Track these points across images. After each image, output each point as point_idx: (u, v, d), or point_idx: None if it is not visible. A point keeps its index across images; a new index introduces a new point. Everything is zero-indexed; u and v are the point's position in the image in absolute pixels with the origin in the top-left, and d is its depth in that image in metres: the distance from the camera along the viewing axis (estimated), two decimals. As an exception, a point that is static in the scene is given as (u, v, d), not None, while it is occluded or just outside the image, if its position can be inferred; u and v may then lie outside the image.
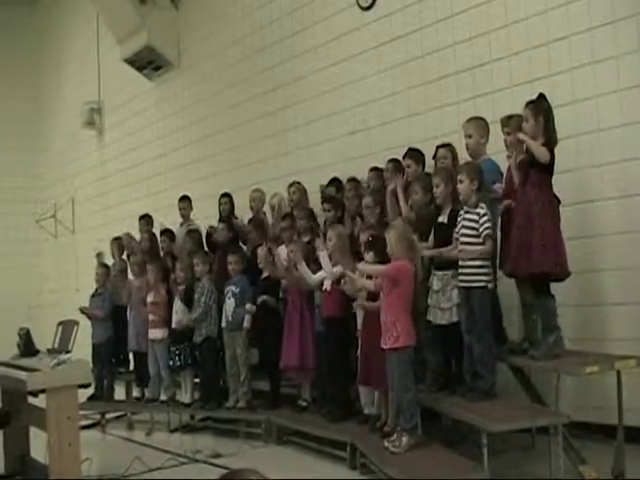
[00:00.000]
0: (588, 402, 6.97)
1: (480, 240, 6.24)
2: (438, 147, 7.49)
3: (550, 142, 6.09)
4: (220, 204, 10.36)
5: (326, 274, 7.61)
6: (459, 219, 6.42)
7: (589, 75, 7.20)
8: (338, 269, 7.42)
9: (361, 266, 6.67)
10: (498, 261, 6.68)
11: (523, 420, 6.02)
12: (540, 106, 6.17)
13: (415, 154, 7.71)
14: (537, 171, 6.10)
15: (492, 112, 7.33)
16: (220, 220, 10.21)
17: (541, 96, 6.21)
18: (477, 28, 8.21)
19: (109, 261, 11.30)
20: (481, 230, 6.23)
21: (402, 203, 7.48)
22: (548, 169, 6.10)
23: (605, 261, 7.06)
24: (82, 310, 10.38)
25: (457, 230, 6.41)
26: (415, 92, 8.95)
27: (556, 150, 6.08)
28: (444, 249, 6.56)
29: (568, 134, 6.78)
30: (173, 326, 9.54)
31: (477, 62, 8.20)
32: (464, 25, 8.37)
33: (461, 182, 6.38)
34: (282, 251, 8.70)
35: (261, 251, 8.84)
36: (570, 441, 5.98)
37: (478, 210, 6.29)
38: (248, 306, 8.77)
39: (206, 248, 10.09)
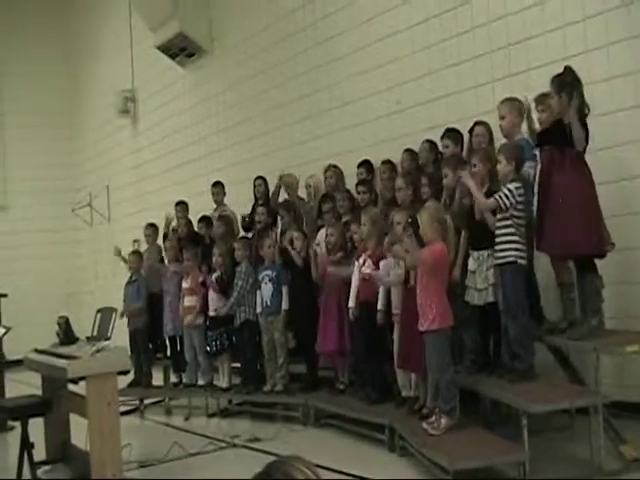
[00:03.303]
0: (628, 381, 6.90)
1: (507, 215, 6.24)
2: (476, 123, 7.42)
3: (582, 116, 6.01)
4: (255, 186, 10.36)
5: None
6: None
7: (625, 51, 7.09)
8: (393, 277, 7.30)
9: (401, 246, 6.51)
10: (535, 240, 6.62)
11: (563, 401, 5.98)
12: (562, 81, 6.08)
13: (453, 134, 7.66)
14: (570, 150, 6.02)
15: (527, 90, 7.23)
16: (255, 203, 10.25)
17: (565, 69, 6.12)
18: (511, 6, 8.11)
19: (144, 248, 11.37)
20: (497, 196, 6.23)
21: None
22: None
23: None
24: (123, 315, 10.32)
25: None
26: (450, 72, 8.86)
27: (593, 127, 6.01)
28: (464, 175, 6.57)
29: (604, 111, 6.70)
30: (210, 314, 9.59)
31: (511, 40, 8.10)
32: (498, 3, 8.27)
33: (499, 162, 6.36)
34: (321, 235, 8.70)
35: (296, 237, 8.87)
36: (610, 421, 5.93)
37: (508, 185, 6.26)
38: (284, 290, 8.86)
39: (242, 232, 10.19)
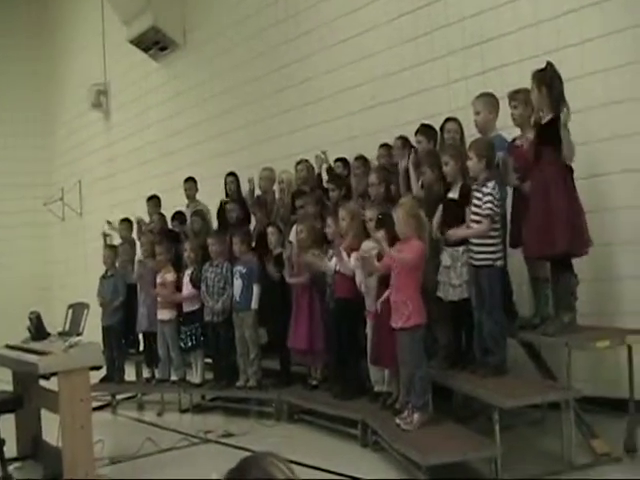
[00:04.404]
0: (599, 376, 6.95)
1: (483, 213, 6.20)
2: (448, 119, 7.44)
3: (557, 114, 6.01)
4: (226, 183, 10.31)
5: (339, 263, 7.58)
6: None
7: (600, 48, 7.12)
8: (355, 262, 7.36)
9: (392, 251, 6.40)
10: (508, 239, 6.64)
11: (535, 395, 6.04)
12: (543, 76, 6.08)
13: (426, 130, 7.64)
14: (550, 149, 6.02)
15: (501, 87, 7.25)
16: (227, 199, 10.21)
17: (547, 65, 6.12)
18: (485, 2, 8.14)
19: (117, 241, 11.33)
20: (482, 209, 6.19)
21: (413, 181, 7.44)
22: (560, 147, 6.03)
23: (617, 235, 7.01)
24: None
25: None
26: (424, 68, 8.88)
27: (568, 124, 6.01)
28: (451, 231, 6.49)
29: (578, 108, 6.68)
30: (185, 310, 9.55)
31: (485, 37, 8.13)
32: (472, 0, 8.30)
33: (470, 159, 6.33)
34: (294, 232, 8.68)
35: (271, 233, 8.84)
36: (581, 416, 5.97)
37: (483, 189, 6.23)
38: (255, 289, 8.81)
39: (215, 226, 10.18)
